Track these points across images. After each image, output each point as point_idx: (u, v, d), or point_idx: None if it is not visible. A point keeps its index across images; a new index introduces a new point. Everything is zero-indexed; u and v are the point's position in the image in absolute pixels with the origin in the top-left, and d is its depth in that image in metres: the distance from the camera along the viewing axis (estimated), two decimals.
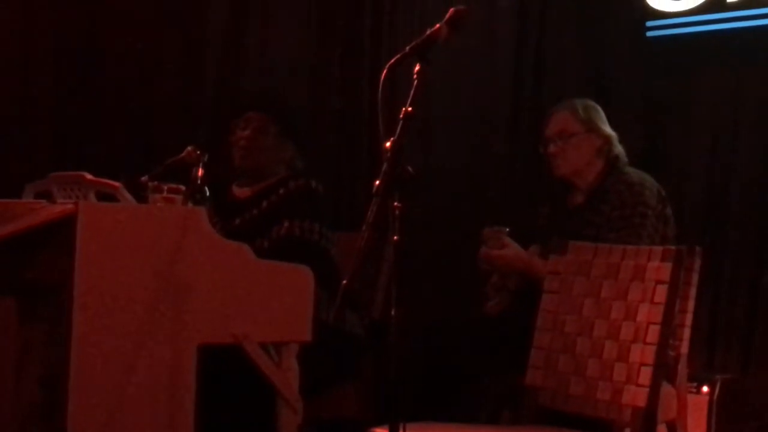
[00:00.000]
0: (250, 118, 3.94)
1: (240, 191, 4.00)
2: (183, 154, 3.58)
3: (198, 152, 3.55)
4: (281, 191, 3.88)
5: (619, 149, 3.98)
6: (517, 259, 3.90)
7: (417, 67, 2.50)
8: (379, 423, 2.85)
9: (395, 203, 2.40)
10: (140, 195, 3.19)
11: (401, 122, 2.44)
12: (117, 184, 3.05)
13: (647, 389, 3.06)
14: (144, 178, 3.43)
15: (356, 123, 5.17)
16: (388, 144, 2.43)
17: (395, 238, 2.40)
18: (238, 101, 4.53)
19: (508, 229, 3.93)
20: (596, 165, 3.96)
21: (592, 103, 4.07)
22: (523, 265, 3.89)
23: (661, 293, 3.13)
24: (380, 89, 2.48)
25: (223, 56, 4.85)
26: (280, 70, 4.99)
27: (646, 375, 3.08)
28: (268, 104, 4.05)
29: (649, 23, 5.36)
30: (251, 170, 3.97)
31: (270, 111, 3.97)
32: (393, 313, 2.40)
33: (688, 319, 3.55)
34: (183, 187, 3.18)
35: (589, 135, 3.96)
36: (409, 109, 2.45)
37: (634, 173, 3.92)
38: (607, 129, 4.00)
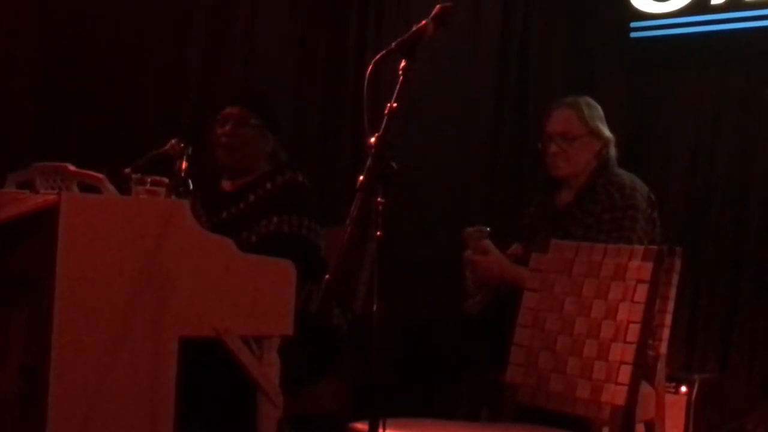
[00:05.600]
0: (229, 114, 3.92)
1: (227, 184, 3.99)
2: (167, 147, 3.57)
3: (182, 145, 3.53)
4: (268, 186, 3.87)
5: (613, 151, 3.96)
6: (498, 266, 3.89)
7: (402, 63, 2.51)
8: (359, 418, 2.86)
9: (378, 199, 2.41)
10: (123, 187, 3.18)
11: (386, 118, 2.44)
12: (100, 175, 3.04)
13: (626, 388, 3.07)
14: (127, 170, 3.42)
15: (341, 118, 5.16)
16: (372, 139, 2.43)
17: (378, 233, 2.41)
18: (217, 98, 4.51)
19: (489, 229, 3.92)
20: (591, 165, 3.95)
21: (593, 102, 4.03)
22: (503, 273, 3.86)
23: (642, 292, 3.14)
24: (366, 85, 2.48)
25: (208, 47, 4.83)
26: (265, 62, 4.98)
27: (625, 373, 3.09)
28: (246, 97, 4.05)
29: (633, 24, 5.39)
30: (236, 165, 3.96)
31: (248, 104, 3.96)
32: (374, 308, 2.40)
33: (668, 319, 3.57)
34: (166, 180, 3.17)
35: (591, 138, 3.93)
36: (394, 105, 2.46)
37: (625, 175, 3.91)
38: (607, 131, 3.98)
